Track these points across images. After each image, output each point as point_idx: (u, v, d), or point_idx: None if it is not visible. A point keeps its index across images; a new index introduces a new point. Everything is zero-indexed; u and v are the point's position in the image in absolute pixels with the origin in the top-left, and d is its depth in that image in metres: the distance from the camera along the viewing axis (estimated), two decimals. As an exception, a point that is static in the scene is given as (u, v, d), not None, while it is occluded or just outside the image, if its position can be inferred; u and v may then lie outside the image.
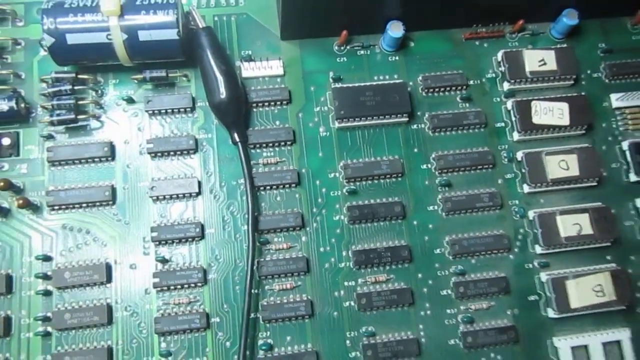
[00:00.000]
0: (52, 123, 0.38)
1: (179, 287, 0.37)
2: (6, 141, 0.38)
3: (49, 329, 0.35)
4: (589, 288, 0.38)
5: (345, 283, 0.38)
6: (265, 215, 0.38)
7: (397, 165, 0.40)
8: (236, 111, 0.39)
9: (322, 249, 0.38)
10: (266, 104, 0.41)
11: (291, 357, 0.36)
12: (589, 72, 0.43)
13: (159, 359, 0.35)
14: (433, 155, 0.41)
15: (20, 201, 0.36)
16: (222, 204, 0.39)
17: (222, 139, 0.40)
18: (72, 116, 0.38)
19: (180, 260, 0.37)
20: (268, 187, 0.39)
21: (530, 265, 0.39)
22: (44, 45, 0.37)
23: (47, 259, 0.36)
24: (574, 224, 0.39)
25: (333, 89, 0.41)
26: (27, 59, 0.40)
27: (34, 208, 0.37)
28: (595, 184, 0.41)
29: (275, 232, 0.38)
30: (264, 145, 0.40)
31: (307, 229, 0.39)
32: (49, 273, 0.36)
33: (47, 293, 0.36)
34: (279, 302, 0.37)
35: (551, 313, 0.38)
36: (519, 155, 0.41)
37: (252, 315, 0.36)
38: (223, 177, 0.39)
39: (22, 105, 0.38)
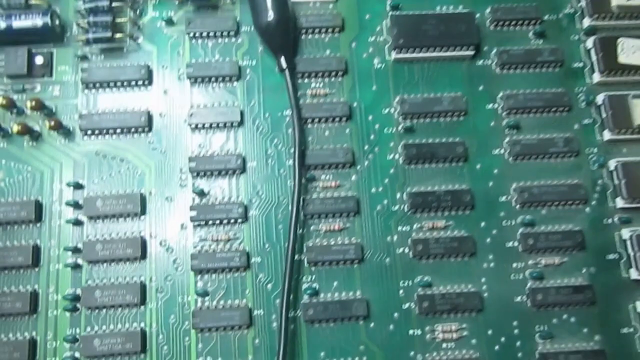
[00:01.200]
0: (87, 42, 0.35)
1: (217, 222, 0.34)
2: (39, 60, 0.35)
3: (79, 260, 0.33)
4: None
5: (399, 228, 0.34)
6: (312, 150, 0.35)
7: (460, 102, 0.36)
8: (284, 35, 0.35)
9: (373, 190, 0.35)
10: (316, 30, 0.37)
11: (339, 304, 0.32)
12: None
13: (195, 299, 0.33)
14: (500, 95, 0.36)
15: (52, 122, 0.33)
16: (265, 136, 0.35)
17: (268, 67, 0.36)
18: (109, 34, 0.34)
19: (219, 194, 0.34)
20: (316, 120, 0.35)
21: (610, 221, 0.35)
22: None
23: (78, 186, 0.34)
24: (663, 174, 0.34)
25: (391, 16, 0.37)
26: (62, -26, 0.37)
27: (66, 132, 0.34)
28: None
29: (323, 169, 0.35)
30: (313, 74, 0.36)
31: (358, 167, 0.35)
32: (80, 202, 0.33)
33: (77, 222, 0.33)
34: (325, 244, 0.34)
35: (634, 274, 0.34)
36: (600, 98, 0.36)
37: (296, 257, 0.33)
38: (267, 107, 0.36)
39: (57, 22, 0.35)
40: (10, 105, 0.34)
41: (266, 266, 0.33)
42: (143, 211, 0.34)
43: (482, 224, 0.34)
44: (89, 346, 0.31)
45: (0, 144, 0.34)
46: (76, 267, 0.33)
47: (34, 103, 0.33)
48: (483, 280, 0.34)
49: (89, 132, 0.34)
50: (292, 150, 0.35)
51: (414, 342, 0.32)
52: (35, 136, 0.34)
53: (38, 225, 0.33)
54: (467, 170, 0.35)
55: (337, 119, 0.36)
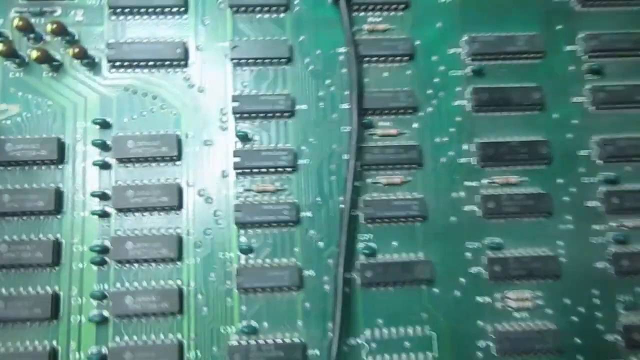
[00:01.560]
0: (114, -40, 0.31)
1: (263, 171, 0.30)
2: (59, -20, 0.31)
3: (108, 208, 0.29)
4: None
5: (466, 182, 0.30)
6: (369, 93, 0.31)
7: (537, 42, 0.31)
8: (340, -40, 0.31)
9: (437, 139, 0.31)
10: (375, -42, 0.33)
11: (399, 265, 0.29)
12: None
13: (237, 255, 0.29)
14: (581, 35, 0.32)
15: (76, 50, 0.29)
16: (317, 76, 0.31)
17: (319, -2, 0.32)
18: (140, -49, 0.30)
19: (265, 139, 0.30)
20: (374, 59, 0.31)
21: (701, 177, 0.31)
22: None
23: (105, 125, 0.30)
24: None
25: (460, -58, 0.32)
26: None
27: (91, 63, 0.30)
28: None
29: (382, 114, 0.31)
30: (371, 7, 0.32)
31: (420, 113, 0.31)
32: (108, 142, 0.29)
33: (105, 165, 0.29)
34: (384, 198, 0.30)
35: None
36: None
37: (352, 212, 0.30)
38: (319, 43, 0.31)
39: (79, -64, 0.31)
40: (27, 29, 0.29)
41: (317, 222, 0.30)
42: (179, 156, 0.30)
43: (560, 180, 0.31)
44: (119, 304, 0.28)
45: (16, 73, 0.30)
46: (104, 215, 0.29)
47: (54, 26, 0.29)
48: (560, 243, 0.30)
49: (118, 64, 0.30)
50: (346, 92, 0.31)
51: (482, 310, 0.29)
52: (56, 66, 0.30)
53: (60, 166, 0.29)
54: (543, 119, 0.31)
55: (397, 59, 0.31)
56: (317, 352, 0.28)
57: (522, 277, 0.29)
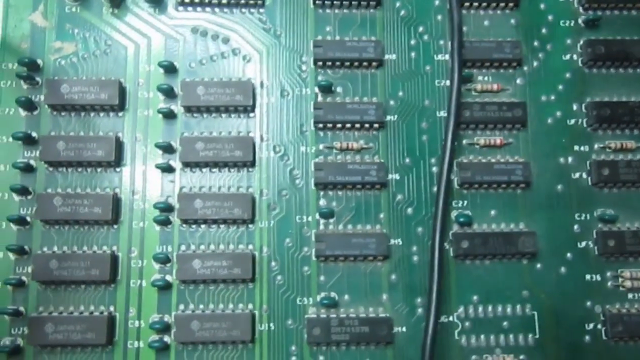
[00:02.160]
0: None
1: (347, 126, 0.26)
2: None
3: (173, 162, 0.26)
4: None
5: (576, 147, 0.27)
6: (469, 42, 0.27)
7: (660, -9, 0.28)
8: None
9: (544, 98, 0.27)
10: None
11: (498, 236, 0.25)
12: None
13: (316, 220, 0.26)
14: None
15: (142, -18, 0.26)
16: (410, 22, 0.28)
17: None
18: None
19: (349, 90, 0.27)
20: (474, 5, 0.28)
21: None
22: None
23: (171, 69, 0.26)
24: None
25: None
26: None
27: (157, 0, 0.27)
28: None
29: (482, 67, 0.27)
30: (471, -54, 0.28)
31: (525, 67, 0.27)
32: (175, 89, 0.26)
33: (170, 114, 0.26)
34: (483, 162, 0.26)
35: None
36: None
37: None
38: (413, -14, 0.28)
39: None
40: (88, -43, 0.26)
41: (406, 186, 0.26)
42: (253, 106, 0.27)
43: (683, 147, 0.27)
44: (186, 268, 0.25)
45: (72, 7, 0.27)
46: (169, 169, 0.26)
47: (118, -46, 0.26)
48: (681, 217, 0.27)
49: (186, 1, 0.27)
50: (441, 41, 0.27)
51: (591, 289, 0.26)
52: (117, 2, 0.27)
53: (121, 114, 0.26)
54: (665, 79, 0.28)
55: (501, 5, 0.28)
56: (403, 329, 0.25)
57: (639, 253, 0.26)
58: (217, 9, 0.27)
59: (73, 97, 0.26)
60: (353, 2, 0.27)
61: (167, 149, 0.26)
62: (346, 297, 0.25)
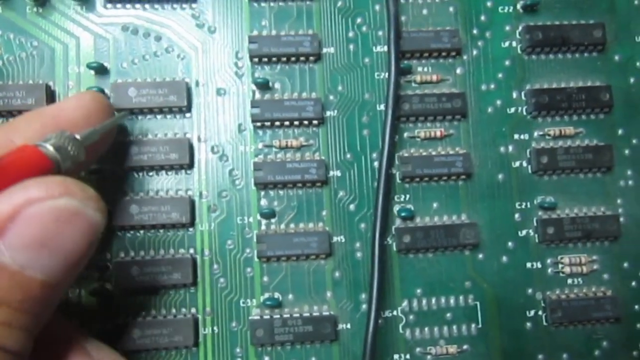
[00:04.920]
0: None
1: (286, 124, 0.26)
2: None
3: (107, 166, 0.25)
4: None
5: (516, 135, 0.27)
6: (407, 33, 0.27)
7: (598, -26, 0.28)
8: None
9: (484, 87, 0.27)
10: None
11: (441, 229, 0.26)
12: None
13: (258, 220, 0.26)
14: (644, -34, 0.29)
15: (64, -20, 0.25)
16: (346, 13, 0.27)
17: None
18: None
19: (286, 86, 0.26)
20: (412, -7, 0.28)
21: None
22: None
23: (101, 70, 0.25)
24: None
25: None
26: None
27: (83, -2, 0.26)
28: None
29: (421, 58, 0.27)
30: None
31: (464, 57, 0.27)
32: (106, 90, 0.25)
33: (102, 119, 0.26)
34: (424, 154, 0.26)
35: None
36: None
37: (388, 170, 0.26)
38: (348, -26, 0.28)
39: None
40: (4, -46, 0.25)
41: (348, 182, 0.26)
42: (188, 107, 0.26)
43: (620, 131, 0.27)
44: (125, 273, 0.24)
45: (-5, 8, 0.26)
46: (103, 174, 0.25)
47: (37, -49, 0.24)
48: (619, 201, 0.27)
49: (114, -2, 0.26)
50: (379, 32, 0.27)
51: (532, 276, 0.26)
52: (42, 0, 0.25)
53: (51, 120, 0.26)
54: (603, 62, 0.27)
55: (438, -7, 0.27)
56: (348, 326, 0.25)
57: (577, 239, 0.26)
58: (147, 5, 0.26)
59: (-3, 103, 0.25)
60: (287, -5, 0.27)
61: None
62: (290, 296, 0.25)
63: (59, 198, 0.17)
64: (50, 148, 0.19)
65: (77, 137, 0.20)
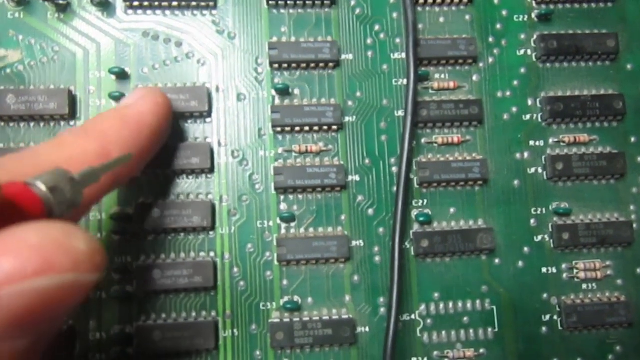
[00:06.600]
0: None
1: (306, 129, 0.26)
2: None
3: (128, 172, 0.26)
4: None
5: (532, 142, 0.27)
6: (424, 40, 0.27)
7: (611, -16, 0.28)
8: None
9: (499, 94, 0.27)
10: None
11: (458, 234, 0.26)
12: None
13: (277, 225, 0.26)
14: (658, -23, 0.29)
15: (87, -15, 0.25)
16: (364, 20, 0.27)
17: None
18: None
19: (306, 92, 0.27)
20: (429, 1, 0.28)
21: None
22: None
23: (122, 75, 0.26)
24: None
25: None
26: None
27: (104, 3, 0.26)
28: None
29: (438, 65, 0.27)
30: (425, -59, 0.28)
31: (480, 64, 0.27)
32: (128, 95, 0.26)
33: (124, 123, 0.26)
34: (441, 160, 0.27)
35: None
36: None
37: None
38: (367, -18, 0.28)
39: None
40: (28, -40, 0.25)
41: (367, 186, 0.26)
42: (209, 112, 0.26)
43: (632, 139, 0.28)
44: (146, 278, 0.25)
45: (15, 13, 0.26)
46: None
47: (61, -43, 0.25)
48: (632, 208, 0.27)
49: (135, 4, 0.26)
50: (397, 40, 0.27)
51: (547, 281, 0.26)
52: (63, 6, 0.26)
53: (72, 123, 0.25)
54: (616, 71, 0.28)
55: (455, 2, 0.27)
56: (366, 329, 0.26)
57: (592, 245, 0.26)
58: (167, 12, 0.26)
59: (20, 108, 0.25)
60: (307, 2, 0.27)
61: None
62: (309, 300, 0.26)
63: (37, 278, 0.14)
64: (42, 187, 0.16)
65: (75, 176, 0.17)
